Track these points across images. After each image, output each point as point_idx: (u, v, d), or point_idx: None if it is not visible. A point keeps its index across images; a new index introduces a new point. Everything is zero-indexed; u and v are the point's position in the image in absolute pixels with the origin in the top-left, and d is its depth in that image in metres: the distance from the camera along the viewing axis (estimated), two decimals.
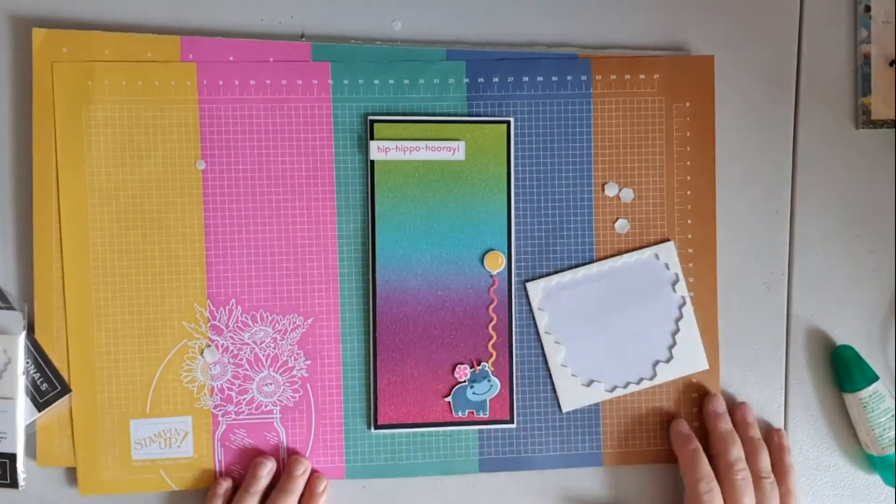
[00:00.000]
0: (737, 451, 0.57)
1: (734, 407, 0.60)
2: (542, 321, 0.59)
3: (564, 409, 0.59)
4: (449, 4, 0.59)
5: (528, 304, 0.59)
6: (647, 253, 0.59)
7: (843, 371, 0.60)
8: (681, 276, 0.59)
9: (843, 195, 0.61)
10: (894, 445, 0.59)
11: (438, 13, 0.59)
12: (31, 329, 0.56)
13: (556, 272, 0.59)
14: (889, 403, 0.59)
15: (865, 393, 0.59)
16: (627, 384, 0.59)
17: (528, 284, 0.59)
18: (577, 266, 0.59)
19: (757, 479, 0.56)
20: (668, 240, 0.59)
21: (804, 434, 0.61)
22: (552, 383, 0.59)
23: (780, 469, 0.58)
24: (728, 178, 0.60)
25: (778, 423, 0.61)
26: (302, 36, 0.58)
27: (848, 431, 0.61)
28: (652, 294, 0.59)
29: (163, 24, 0.57)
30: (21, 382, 0.56)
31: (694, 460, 0.57)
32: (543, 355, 0.59)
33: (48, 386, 0.56)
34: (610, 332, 0.59)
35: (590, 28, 0.59)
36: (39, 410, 0.56)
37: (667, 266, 0.59)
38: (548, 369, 0.59)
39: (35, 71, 0.55)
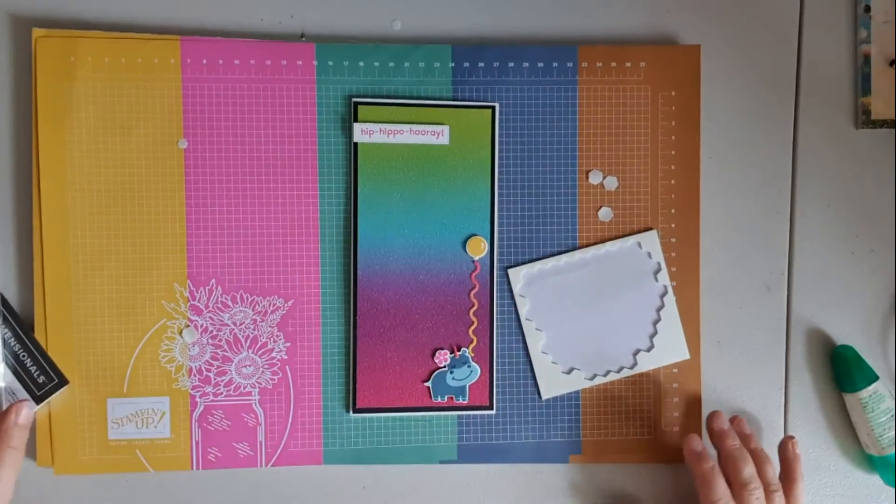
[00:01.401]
0: (749, 469, 0.55)
1: (731, 422, 0.59)
2: (524, 308, 0.58)
3: (544, 397, 0.59)
4: (448, 4, 0.59)
5: (510, 290, 0.59)
6: (630, 241, 0.59)
7: (843, 371, 0.60)
8: (663, 266, 0.59)
9: (843, 195, 0.61)
10: (894, 445, 0.59)
11: (438, 12, 0.59)
12: (31, 326, 0.56)
13: (538, 259, 0.59)
14: (889, 403, 0.59)
15: (865, 393, 0.59)
16: (608, 372, 0.59)
17: (510, 271, 0.58)
18: (559, 253, 0.59)
19: (767, 494, 0.55)
20: (651, 228, 0.59)
21: (804, 434, 0.61)
22: (532, 370, 0.59)
23: (789, 478, 0.57)
24: (728, 178, 0.60)
25: (778, 422, 0.61)
26: (302, 36, 0.58)
27: (848, 431, 0.61)
28: (634, 282, 0.59)
29: (162, 25, 0.57)
30: (1, 370, 0.55)
31: (710, 480, 0.55)
32: (524, 342, 0.59)
33: (45, 378, 0.56)
34: (591, 320, 0.59)
35: (596, 25, 0.60)
36: (38, 403, 0.56)
37: (649, 255, 0.59)
38: (528, 356, 0.59)
39: (35, 71, 0.55)
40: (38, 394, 0.56)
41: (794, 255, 0.61)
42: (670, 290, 0.59)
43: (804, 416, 0.61)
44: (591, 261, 0.59)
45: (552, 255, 0.59)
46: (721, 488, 0.55)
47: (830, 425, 0.62)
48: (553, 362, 0.59)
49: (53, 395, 0.56)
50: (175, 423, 0.57)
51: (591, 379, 0.59)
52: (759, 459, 0.57)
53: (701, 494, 0.56)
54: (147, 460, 0.57)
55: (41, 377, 0.55)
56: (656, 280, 0.59)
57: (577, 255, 0.59)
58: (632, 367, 0.59)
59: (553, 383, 0.59)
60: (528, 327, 0.58)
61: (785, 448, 0.58)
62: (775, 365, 0.61)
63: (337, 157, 0.57)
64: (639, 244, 0.59)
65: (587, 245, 0.59)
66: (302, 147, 0.57)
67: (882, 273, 0.62)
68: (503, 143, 0.58)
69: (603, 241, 0.59)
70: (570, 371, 0.59)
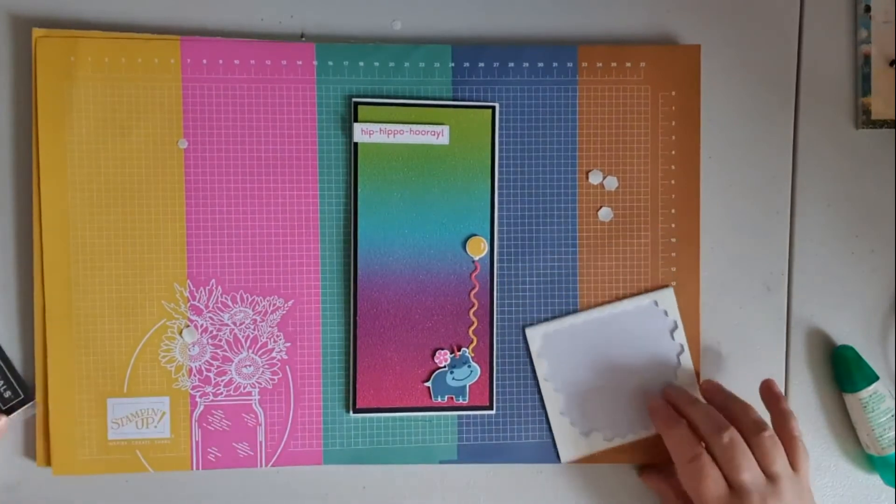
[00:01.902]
0: (709, 422, 0.53)
1: (702, 386, 0.58)
2: (541, 368, 0.58)
3: (563, 460, 0.58)
4: (448, 4, 0.59)
5: (510, 291, 0.58)
6: (646, 300, 0.59)
7: (843, 371, 0.60)
8: (679, 324, 0.59)
9: (843, 195, 0.61)
10: (894, 445, 0.59)
11: (438, 12, 0.59)
12: (30, 325, 0.56)
13: (538, 259, 0.58)
14: (889, 403, 0.59)
15: (865, 393, 0.59)
16: (626, 434, 0.59)
17: (528, 330, 0.58)
18: (560, 253, 0.58)
19: (750, 437, 0.52)
20: (667, 286, 0.59)
21: (804, 434, 0.60)
22: (533, 370, 0.59)
23: (778, 417, 0.55)
24: (728, 178, 0.60)
25: None
26: (302, 36, 0.58)
27: (848, 431, 0.61)
28: (650, 342, 0.59)
29: (162, 25, 0.57)
30: None
31: (676, 434, 0.54)
32: (525, 341, 0.58)
33: (11, 394, 0.56)
34: (607, 381, 0.58)
35: (595, 25, 0.60)
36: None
37: (665, 313, 0.59)
38: (529, 356, 0.58)
39: (35, 71, 0.55)
40: (3, 408, 0.56)
41: (794, 255, 0.61)
42: (686, 349, 0.59)
43: (804, 416, 0.61)
44: (608, 319, 0.58)
45: (552, 255, 0.58)
46: (686, 436, 0.53)
47: (830, 425, 0.62)
48: (571, 424, 0.58)
49: (17, 412, 0.56)
50: (175, 423, 0.57)
51: (610, 441, 0.59)
52: (735, 406, 0.55)
53: (672, 453, 0.54)
54: (147, 460, 0.57)
55: (7, 392, 0.55)
56: (672, 339, 0.59)
57: (593, 314, 0.58)
58: (648, 429, 0.59)
59: (572, 445, 0.58)
60: (545, 388, 0.58)
61: (762, 391, 0.57)
62: (775, 365, 0.61)
63: (337, 157, 0.57)
64: (655, 302, 0.59)
65: (587, 245, 0.59)
66: (302, 147, 0.57)
67: (882, 273, 0.62)
68: (503, 143, 0.58)
69: (603, 241, 0.59)
70: (588, 433, 0.59)
